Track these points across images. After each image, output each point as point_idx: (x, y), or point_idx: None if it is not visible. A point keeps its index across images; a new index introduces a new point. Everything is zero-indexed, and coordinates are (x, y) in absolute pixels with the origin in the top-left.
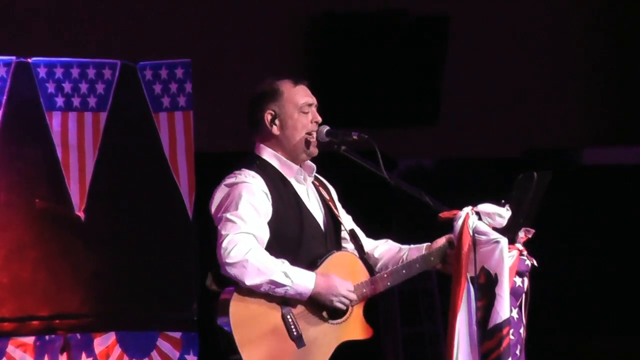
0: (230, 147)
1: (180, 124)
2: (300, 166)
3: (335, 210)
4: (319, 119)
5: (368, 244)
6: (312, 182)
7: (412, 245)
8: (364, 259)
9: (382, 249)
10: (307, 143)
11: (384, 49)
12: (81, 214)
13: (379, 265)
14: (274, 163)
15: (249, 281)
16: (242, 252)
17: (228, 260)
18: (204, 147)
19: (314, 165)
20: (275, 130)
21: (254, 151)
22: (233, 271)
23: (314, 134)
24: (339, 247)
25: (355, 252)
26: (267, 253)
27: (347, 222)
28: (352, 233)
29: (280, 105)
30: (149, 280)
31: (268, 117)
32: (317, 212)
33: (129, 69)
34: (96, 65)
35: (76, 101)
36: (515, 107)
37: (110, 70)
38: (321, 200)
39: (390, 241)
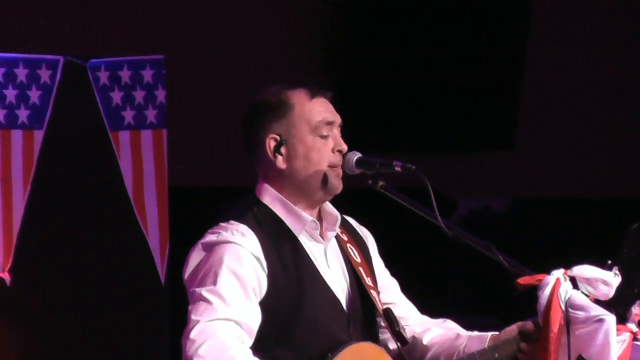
0: (221, 181)
1: (148, 146)
2: (319, 216)
3: (365, 278)
4: (344, 147)
5: (417, 325)
6: (337, 236)
7: (475, 333)
8: (400, 354)
9: (434, 334)
10: (326, 178)
11: (435, 36)
12: (5, 275)
13: (428, 356)
14: (279, 211)
15: None
16: (216, 352)
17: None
18: (181, 179)
19: (337, 214)
20: (280, 162)
21: (255, 191)
22: None
23: (339, 166)
24: (371, 332)
25: (389, 343)
26: (250, 356)
27: (387, 293)
28: (386, 313)
29: (288, 126)
30: None
31: (271, 143)
32: (339, 283)
33: (76, 68)
34: (29, 62)
35: None
36: (623, 128)
37: (49, 70)
38: (347, 264)
39: (449, 322)
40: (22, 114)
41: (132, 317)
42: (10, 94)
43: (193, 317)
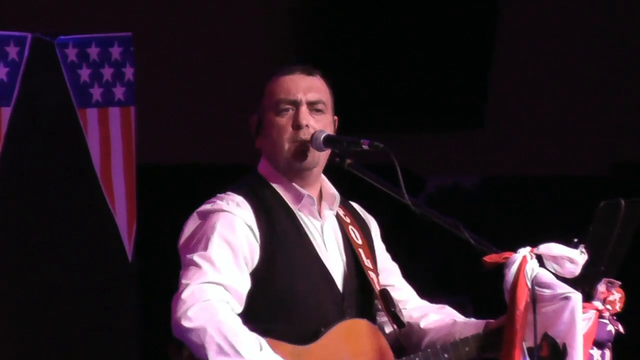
0: (189, 158)
1: (116, 124)
2: (320, 195)
3: (364, 260)
4: (302, 122)
5: (415, 309)
6: (338, 217)
7: (471, 320)
8: (396, 337)
9: (432, 319)
10: (287, 154)
11: (406, 18)
12: None
13: (425, 341)
14: (276, 186)
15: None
16: (205, 315)
17: (183, 322)
18: (149, 157)
19: (335, 193)
20: (258, 141)
21: (257, 167)
22: (185, 337)
23: (300, 142)
24: (366, 312)
25: (386, 326)
26: (239, 323)
27: (387, 276)
28: (383, 294)
29: (261, 106)
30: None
31: (252, 123)
32: (335, 261)
33: (44, 45)
34: None
35: None
36: (594, 106)
37: (16, 47)
38: (345, 244)
39: (448, 308)
40: None
41: (99, 295)
42: None
43: (183, 280)
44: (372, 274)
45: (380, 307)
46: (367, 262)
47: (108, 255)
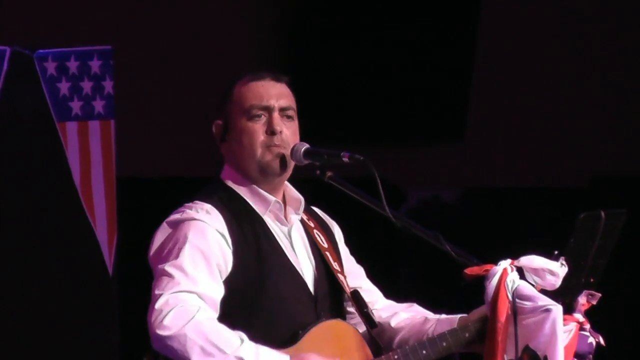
0: (169, 172)
1: (96, 137)
2: (283, 199)
3: (332, 263)
4: (276, 128)
5: (384, 309)
6: (302, 221)
7: (443, 316)
8: (370, 332)
9: (402, 317)
10: (260, 159)
11: (388, 32)
12: None
13: (396, 340)
14: (242, 193)
15: None
16: (181, 320)
17: (160, 332)
18: (130, 170)
19: (300, 198)
20: (224, 147)
21: (220, 174)
22: (166, 347)
23: (277, 148)
24: (339, 314)
25: (358, 327)
26: (217, 323)
27: (354, 277)
28: (354, 295)
29: (227, 112)
30: None
31: (216, 129)
32: (304, 265)
33: (23, 58)
34: None
35: None
36: (572, 119)
37: None
38: (312, 248)
39: (416, 306)
40: None
41: (79, 309)
42: None
43: (156, 291)
44: (341, 277)
45: (351, 308)
46: (335, 265)
47: (89, 269)
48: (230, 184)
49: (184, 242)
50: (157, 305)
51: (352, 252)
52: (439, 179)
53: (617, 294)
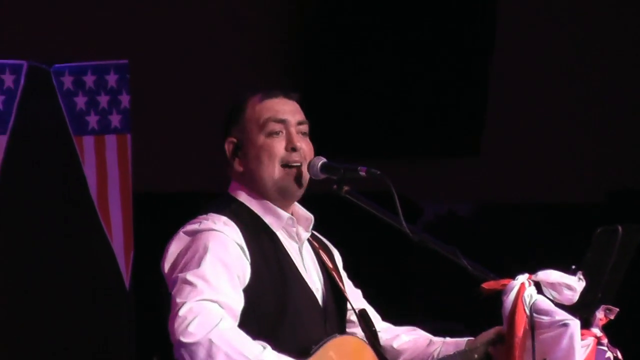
0: (186, 186)
1: (112, 151)
2: (292, 215)
3: (339, 281)
4: (297, 144)
5: (384, 331)
6: (309, 241)
7: (447, 339)
8: (377, 349)
9: (405, 339)
10: (279, 180)
11: (403, 45)
12: None
13: None
14: (255, 208)
15: None
16: (206, 327)
17: (184, 339)
18: (146, 184)
19: (311, 217)
20: (237, 165)
21: (228, 190)
22: (190, 354)
23: (297, 168)
24: (343, 329)
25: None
26: (240, 331)
27: (356, 298)
28: (362, 314)
29: (241, 129)
30: None
31: (229, 147)
32: (314, 281)
33: (40, 73)
34: None
35: None
36: (588, 134)
37: (12, 74)
38: (320, 266)
39: (419, 330)
40: None
41: (96, 322)
42: None
43: (178, 300)
44: (346, 296)
45: (351, 328)
46: (340, 283)
47: (105, 283)
48: (242, 199)
49: (205, 252)
50: (181, 312)
51: (360, 273)
52: (455, 194)
53: (634, 308)
